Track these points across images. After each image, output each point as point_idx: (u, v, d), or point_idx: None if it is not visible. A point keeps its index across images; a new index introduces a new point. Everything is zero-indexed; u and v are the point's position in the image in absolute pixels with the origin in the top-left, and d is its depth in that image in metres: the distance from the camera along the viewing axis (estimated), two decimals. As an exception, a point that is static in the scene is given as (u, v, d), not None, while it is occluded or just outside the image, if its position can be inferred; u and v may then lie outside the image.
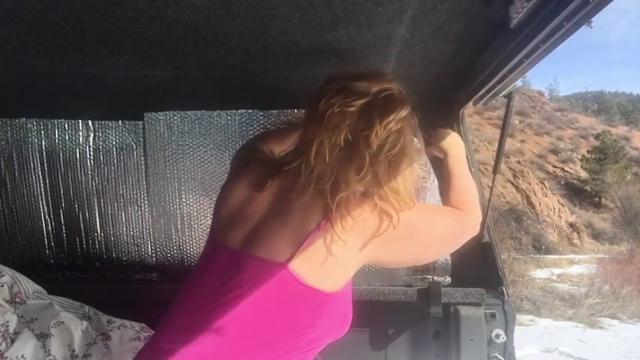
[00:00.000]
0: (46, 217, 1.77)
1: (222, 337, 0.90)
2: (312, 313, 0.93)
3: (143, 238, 1.77)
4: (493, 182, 1.60)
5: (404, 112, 0.92)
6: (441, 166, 1.61)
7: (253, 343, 0.91)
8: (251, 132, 1.66)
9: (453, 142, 1.31)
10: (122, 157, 1.72)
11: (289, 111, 1.63)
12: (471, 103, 1.42)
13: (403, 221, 0.93)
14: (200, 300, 0.95)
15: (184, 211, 1.73)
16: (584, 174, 27.15)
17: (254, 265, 0.92)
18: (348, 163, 0.90)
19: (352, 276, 0.98)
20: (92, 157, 1.73)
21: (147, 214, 1.75)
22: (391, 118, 0.90)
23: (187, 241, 1.75)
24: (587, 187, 26.00)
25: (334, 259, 0.91)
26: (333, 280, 0.93)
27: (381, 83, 0.94)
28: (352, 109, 0.90)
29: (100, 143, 1.72)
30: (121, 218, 1.76)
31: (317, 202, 0.91)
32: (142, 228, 1.76)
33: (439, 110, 1.53)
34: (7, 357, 1.29)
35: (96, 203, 1.75)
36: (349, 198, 0.89)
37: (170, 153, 1.69)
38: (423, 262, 1.08)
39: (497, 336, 1.54)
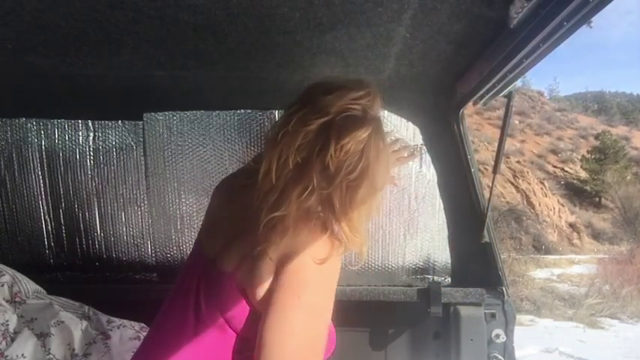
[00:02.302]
0: (46, 217, 1.77)
1: (210, 342, 0.92)
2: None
3: (143, 238, 1.77)
4: (493, 182, 1.60)
5: (363, 134, 0.86)
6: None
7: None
8: (251, 132, 1.66)
9: None
10: (122, 157, 1.72)
11: (289, 111, 1.63)
12: (470, 103, 1.42)
13: (305, 275, 0.87)
14: (184, 303, 0.98)
15: (184, 211, 1.73)
16: (584, 174, 27.14)
17: (218, 277, 0.94)
18: (294, 185, 0.86)
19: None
20: (92, 157, 1.73)
21: (147, 214, 1.75)
22: (347, 140, 0.84)
23: (187, 241, 1.76)
24: (587, 187, 26.00)
25: (265, 276, 0.88)
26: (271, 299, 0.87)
27: (345, 101, 0.88)
28: (311, 127, 0.86)
29: (100, 143, 1.72)
30: (121, 218, 1.76)
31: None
32: (142, 228, 1.76)
33: (439, 110, 1.53)
34: (7, 356, 1.29)
35: (96, 203, 1.75)
36: (285, 219, 0.86)
37: (170, 153, 1.69)
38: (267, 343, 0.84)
39: (497, 336, 1.54)
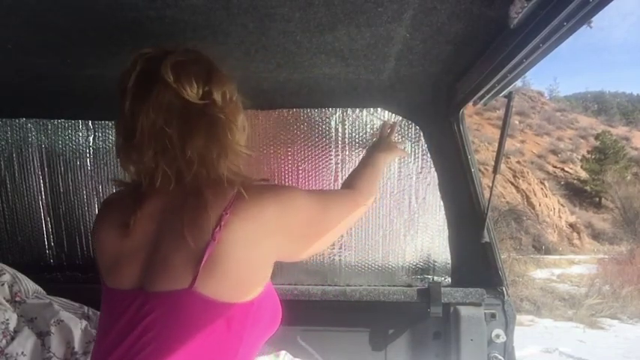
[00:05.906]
0: (46, 217, 1.77)
1: None
2: (236, 328, 0.84)
3: (143, 238, 1.77)
4: (493, 182, 1.60)
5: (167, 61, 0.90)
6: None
7: None
8: (251, 132, 1.66)
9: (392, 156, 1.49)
10: (122, 157, 1.72)
11: (289, 111, 1.63)
12: (471, 103, 1.42)
13: (300, 206, 0.92)
14: (117, 352, 0.84)
15: (184, 211, 1.72)
16: (584, 174, 27.17)
17: (159, 301, 0.82)
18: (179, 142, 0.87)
19: (269, 274, 0.91)
20: (92, 157, 1.73)
21: (147, 214, 1.75)
22: (159, 90, 0.89)
23: (187, 241, 1.75)
24: (587, 188, 26.03)
25: (240, 263, 0.82)
26: (248, 286, 0.85)
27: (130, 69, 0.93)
28: (133, 105, 0.92)
29: (100, 143, 1.72)
30: (121, 218, 1.76)
31: (200, 209, 0.82)
32: (142, 228, 1.76)
33: (439, 110, 1.53)
34: (7, 353, 1.29)
35: (96, 203, 1.75)
36: (202, 182, 0.85)
37: (170, 153, 1.69)
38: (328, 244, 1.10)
39: (497, 336, 1.54)
